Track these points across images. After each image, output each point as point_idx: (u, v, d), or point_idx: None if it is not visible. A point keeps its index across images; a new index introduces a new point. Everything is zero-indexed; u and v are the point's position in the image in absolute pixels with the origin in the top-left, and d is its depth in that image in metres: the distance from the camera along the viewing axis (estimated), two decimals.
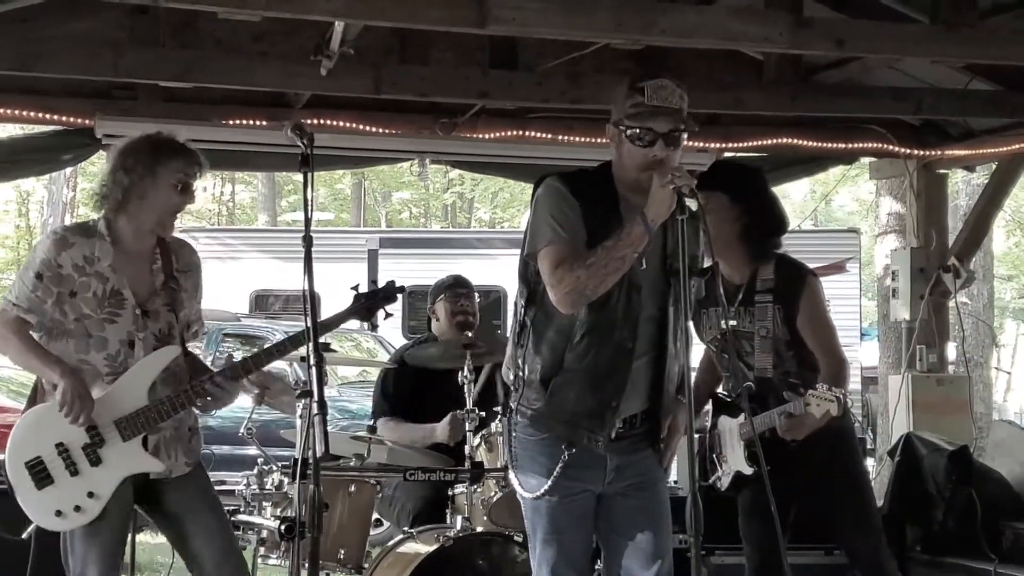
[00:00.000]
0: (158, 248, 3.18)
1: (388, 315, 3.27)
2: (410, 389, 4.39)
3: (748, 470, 3.55)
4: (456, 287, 4.49)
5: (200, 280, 3.28)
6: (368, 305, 3.24)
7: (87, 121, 5.38)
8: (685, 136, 2.80)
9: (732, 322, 3.52)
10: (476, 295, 4.55)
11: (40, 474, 3.01)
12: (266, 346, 3.30)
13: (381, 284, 3.27)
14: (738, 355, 3.57)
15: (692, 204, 2.73)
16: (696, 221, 2.81)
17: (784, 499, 3.54)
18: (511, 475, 2.95)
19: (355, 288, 3.29)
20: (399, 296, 3.30)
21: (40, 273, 3.07)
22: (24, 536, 3.19)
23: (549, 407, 2.83)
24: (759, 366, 3.52)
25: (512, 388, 2.91)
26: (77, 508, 3.00)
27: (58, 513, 3.00)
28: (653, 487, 2.94)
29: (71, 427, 3.01)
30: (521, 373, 2.87)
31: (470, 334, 4.12)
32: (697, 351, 3.37)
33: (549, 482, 2.82)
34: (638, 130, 2.77)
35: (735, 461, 3.62)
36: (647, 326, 2.84)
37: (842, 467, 3.62)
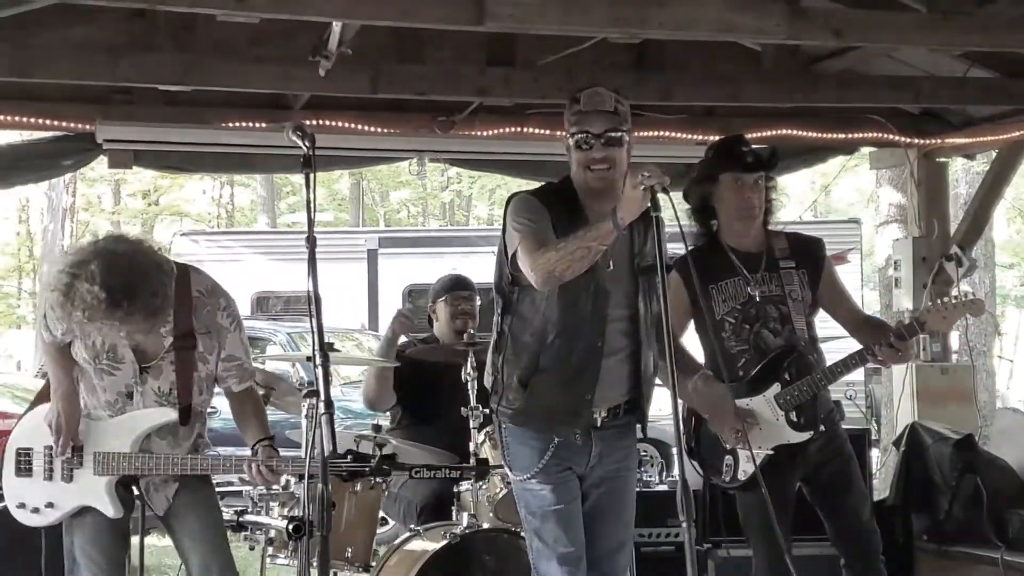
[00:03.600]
0: (172, 307, 3.08)
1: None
2: (409, 388, 4.38)
3: (801, 437, 3.48)
4: (457, 289, 4.47)
5: (230, 339, 3.19)
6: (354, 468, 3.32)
7: (87, 126, 5.38)
8: (625, 137, 3.01)
9: (761, 288, 3.55)
10: (477, 297, 4.53)
11: (22, 464, 3.17)
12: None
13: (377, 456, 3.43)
14: (763, 323, 3.54)
15: (664, 201, 2.79)
16: (662, 221, 2.86)
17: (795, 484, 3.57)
18: (506, 468, 3.14)
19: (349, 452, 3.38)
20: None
21: (46, 312, 3.13)
22: None
23: (528, 405, 3.03)
24: (798, 327, 3.53)
25: (492, 392, 3.10)
26: (35, 510, 3.16)
27: (20, 505, 3.18)
28: (625, 480, 3.16)
29: None
30: (501, 377, 3.07)
31: (472, 331, 4.13)
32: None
33: (541, 463, 3.01)
34: (578, 134, 3.01)
35: (776, 435, 3.49)
36: (617, 325, 3.04)
37: (851, 450, 3.68)
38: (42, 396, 3.27)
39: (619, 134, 3.00)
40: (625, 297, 3.04)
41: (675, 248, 3.04)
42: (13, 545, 3.84)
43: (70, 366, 3.17)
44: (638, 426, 3.18)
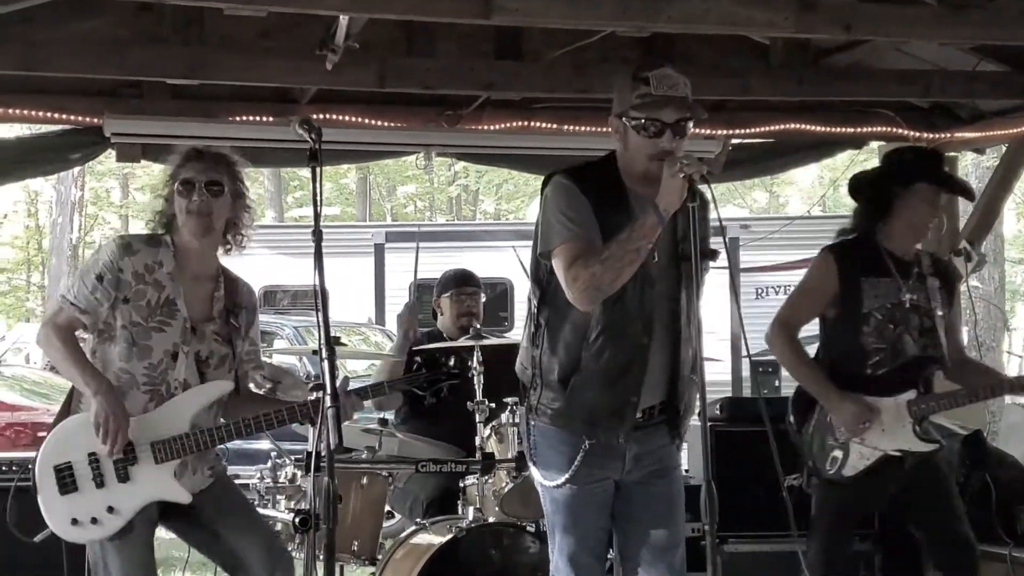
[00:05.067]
0: (223, 279, 3.19)
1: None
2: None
3: (923, 447, 3.50)
4: (462, 286, 4.47)
5: (254, 321, 3.26)
6: (429, 378, 3.52)
7: (95, 120, 5.38)
8: (691, 125, 2.81)
9: (912, 296, 3.56)
10: (482, 294, 4.53)
11: (66, 479, 2.99)
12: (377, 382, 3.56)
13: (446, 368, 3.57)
14: (906, 328, 3.54)
15: (704, 191, 2.73)
16: (706, 206, 2.81)
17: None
18: (531, 465, 2.97)
19: (418, 361, 3.71)
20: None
21: (101, 275, 3.06)
22: (37, 539, 3.12)
23: (569, 407, 2.85)
24: (941, 342, 3.56)
25: (530, 387, 2.92)
26: (94, 520, 2.98)
27: (74, 521, 2.98)
28: (670, 475, 2.96)
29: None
30: (538, 371, 2.87)
31: (477, 324, 4.13)
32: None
33: (570, 471, 2.84)
34: (645, 121, 2.77)
35: (901, 440, 3.50)
36: (662, 319, 2.85)
37: (949, 463, 3.79)
38: (62, 415, 3.13)
39: (689, 123, 2.78)
40: (668, 288, 2.83)
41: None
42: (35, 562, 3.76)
43: (85, 360, 3.07)
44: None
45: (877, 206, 3.58)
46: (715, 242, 2.85)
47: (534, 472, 2.95)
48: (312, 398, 3.07)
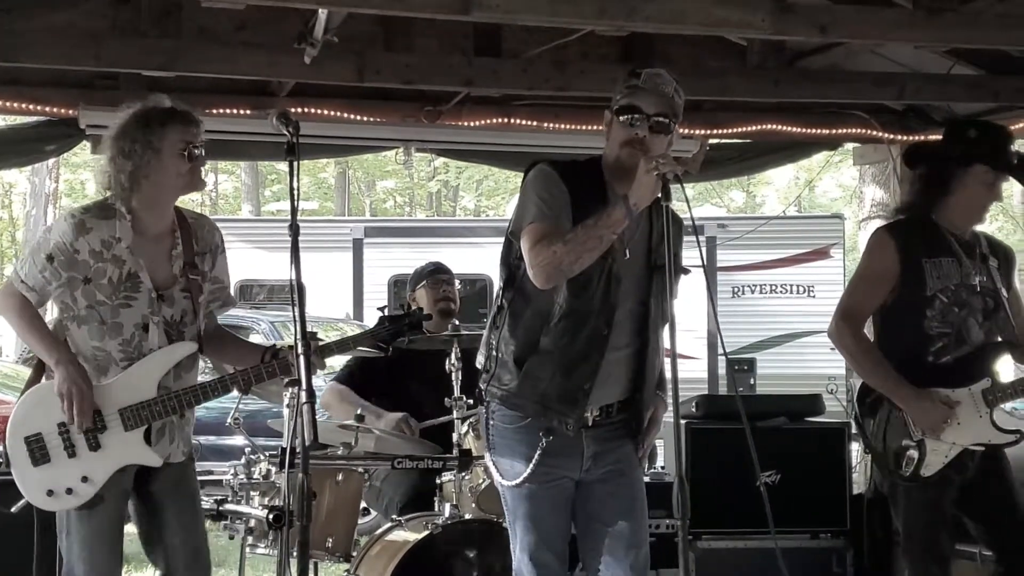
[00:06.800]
0: (178, 230, 3.12)
1: (411, 341, 3.33)
2: (387, 375, 4.36)
3: (1003, 439, 3.27)
4: (436, 273, 4.50)
5: (219, 259, 3.21)
6: (393, 330, 3.26)
7: (70, 111, 5.35)
8: (674, 126, 2.86)
9: (980, 277, 3.34)
10: (457, 281, 4.57)
11: (38, 451, 2.99)
12: (343, 337, 3.36)
13: (409, 311, 3.33)
14: (970, 311, 3.32)
15: (677, 190, 2.76)
16: (680, 224, 2.85)
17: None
18: (488, 462, 2.98)
19: (381, 310, 3.31)
20: (423, 324, 3.33)
21: (52, 255, 3.02)
22: (13, 510, 3.14)
23: (521, 387, 2.88)
24: (1011, 324, 3.35)
25: (484, 371, 2.95)
26: (69, 490, 2.98)
27: (49, 493, 2.99)
28: (630, 474, 2.98)
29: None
30: (494, 354, 2.92)
31: (456, 321, 4.13)
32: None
33: (528, 469, 2.86)
34: (626, 108, 2.84)
35: (979, 432, 3.27)
36: (626, 318, 2.89)
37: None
38: (30, 384, 3.12)
39: (668, 121, 2.83)
40: (636, 291, 2.88)
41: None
42: (3, 539, 3.77)
43: (45, 330, 3.05)
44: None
45: (934, 182, 3.36)
46: (690, 241, 2.88)
47: (492, 471, 2.96)
48: (279, 351, 3.09)
